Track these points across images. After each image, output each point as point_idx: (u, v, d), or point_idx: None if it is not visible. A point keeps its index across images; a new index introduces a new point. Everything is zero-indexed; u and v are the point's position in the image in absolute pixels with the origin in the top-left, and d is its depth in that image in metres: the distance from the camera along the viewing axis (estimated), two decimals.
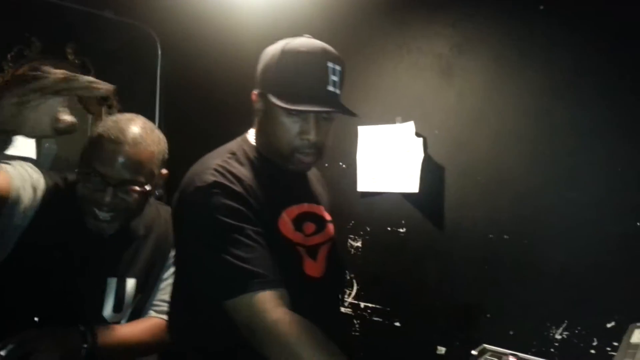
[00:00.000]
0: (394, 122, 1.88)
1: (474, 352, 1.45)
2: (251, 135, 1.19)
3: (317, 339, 0.94)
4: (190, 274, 1.10)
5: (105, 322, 1.25)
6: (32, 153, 2.08)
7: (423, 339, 1.82)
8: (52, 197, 1.20)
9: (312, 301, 1.06)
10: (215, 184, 1.02)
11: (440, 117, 1.81)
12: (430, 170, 1.80)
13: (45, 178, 1.21)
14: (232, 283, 0.97)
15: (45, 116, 0.87)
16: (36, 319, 1.18)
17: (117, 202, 1.19)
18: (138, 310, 1.33)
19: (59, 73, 0.86)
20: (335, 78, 1.08)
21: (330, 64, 1.07)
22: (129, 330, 1.27)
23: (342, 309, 2.00)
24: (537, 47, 1.62)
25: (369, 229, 1.98)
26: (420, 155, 1.81)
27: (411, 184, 1.82)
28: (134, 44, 2.48)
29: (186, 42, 2.50)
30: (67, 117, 0.89)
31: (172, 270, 1.34)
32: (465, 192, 1.75)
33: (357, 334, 1.99)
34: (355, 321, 1.99)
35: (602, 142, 1.50)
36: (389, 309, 1.92)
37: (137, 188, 1.20)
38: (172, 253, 1.34)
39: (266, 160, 1.14)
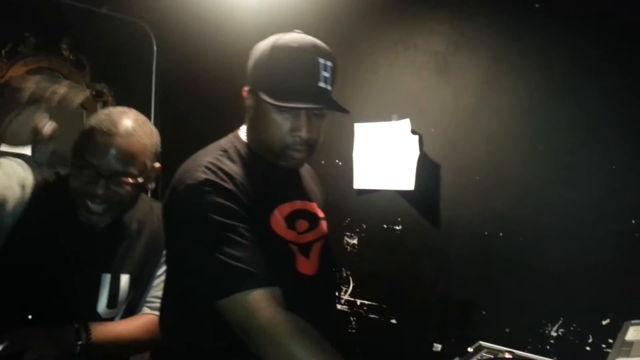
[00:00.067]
0: (390, 119, 1.88)
1: (469, 349, 1.46)
2: (243, 131, 1.18)
3: (311, 337, 0.93)
4: (181, 273, 1.09)
5: (99, 318, 1.25)
6: (27, 149, 2.07)
7: (419, 336, 1.82)
8: (42, 193, 1.20)
9: (305, 299, 1.05)
10: (207, 181, 1.01)
11: (436, 115, 1.81)
12: (426, 167, 1.80)
13: (34, 174, 1.21)
14: (224, 282, 0.96)
15: (24, 126, 0.87)
16: (30, 317, 1.18)
17: (110, 194, 1.19)
18: (132, 307, 1.33)
19: (30, 84, 0.86)
20: (326, 74, 1.06)
21: (321, 60, 1.06)
22: (123, 327, 1.27)
23: (339, 306, 2.00)
24: (533, 45, 1.62)
25: (365, 227, 1.98)
26: (416, 153, 1.80)
27: (407, 182, 1.82)
28: (130, 39, 2.47)
29: (182, 38, 2.49)
30: (46, 127, 0.89)
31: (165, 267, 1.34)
32: (461, 189, 1.75)
33: (353, 331, 1.99)
34: (351, 318, 1.99)
35: (598, 141, 1.50)
36: (385, 306, 1.92)
37: (130, 180, 1.20)
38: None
39: (258, 157, 1.13)
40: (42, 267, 1.19)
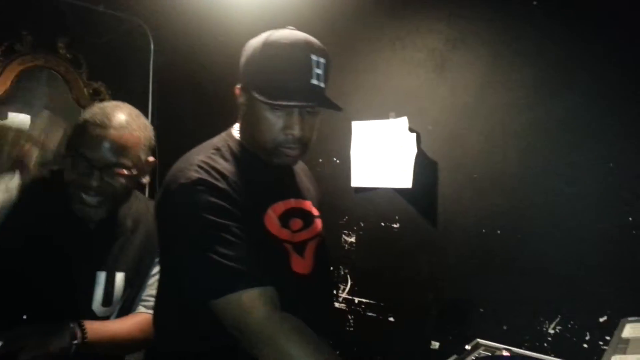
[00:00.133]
0: (387, 117, 1.87)
1: (467, 347, 1.46)
2: (236, 129, 1.17)
3: (306, 336, 0.93)
4: (174, 273, 1.08)
5: (94, 317, 1.25)
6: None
7: (417, 333, 1.82)
8: (32, 192, 1.20)
9: (301, 298, 1.05)
10: (199, 180, 1.00)
11: (433, 113, 1.80)
12: (424, 165, 1.80)
13: (19, 175, 1.21)
14: (218, 282, 0.96)
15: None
16: (24, 317, 1.18)
17: (104, 186, 1.20)
18: (127, 306, 1.33)
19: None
20: (319, 71, 1.05)
21: (313, 57, 1.04)
22: (119, 326, 1.27)
23: (336, 305, 2.00)
24: (531, 42, 1.61)
25: (362, 225, 1.97)
26: (413, 151, 1.80)
27: (404, 180, 1.81)
28: (127, 37, 2.46)
29: (179, 36, 2.49)
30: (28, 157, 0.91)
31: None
32: (459, 187, 1.74)
33: (351, 329, 1.99)
34: (349, 316, 1.99)
35: (595, 138, 1.50)
36: (382, 304, 1.92)
37: (124, 171, 1.21)
38: None
39: (251, 155, 1.12)
40: (36, 265, 1.19)
